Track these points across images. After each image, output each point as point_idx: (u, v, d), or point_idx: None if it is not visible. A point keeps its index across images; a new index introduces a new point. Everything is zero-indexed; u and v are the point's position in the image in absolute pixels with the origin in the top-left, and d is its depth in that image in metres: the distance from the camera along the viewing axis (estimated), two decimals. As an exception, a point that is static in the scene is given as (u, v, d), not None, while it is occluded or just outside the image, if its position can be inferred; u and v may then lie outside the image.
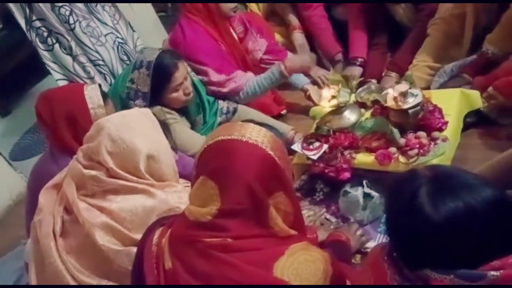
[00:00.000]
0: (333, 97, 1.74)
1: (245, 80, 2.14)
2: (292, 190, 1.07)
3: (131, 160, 1.25)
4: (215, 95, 2.17)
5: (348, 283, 1.04)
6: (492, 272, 0.69)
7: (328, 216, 1.76)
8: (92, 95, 1.55)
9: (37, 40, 2.49)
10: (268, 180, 0.97)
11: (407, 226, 0.77)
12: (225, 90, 2.15)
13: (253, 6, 2.71)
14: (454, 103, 1.68)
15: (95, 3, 2.71)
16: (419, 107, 1.57)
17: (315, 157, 1.72)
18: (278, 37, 2.68)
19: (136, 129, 1.29)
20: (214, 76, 2.12)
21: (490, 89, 1.79)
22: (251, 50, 2.23)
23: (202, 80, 2.12)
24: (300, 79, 2.26)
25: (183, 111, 2.01)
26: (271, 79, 2.11)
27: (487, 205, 0.71)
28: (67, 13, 2.49)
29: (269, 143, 0.99)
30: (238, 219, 0.95)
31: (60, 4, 2.46)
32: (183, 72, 1.88)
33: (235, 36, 2.25)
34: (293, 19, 2.69)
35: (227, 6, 2.11)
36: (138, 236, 1.18)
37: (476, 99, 1.75)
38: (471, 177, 0.77)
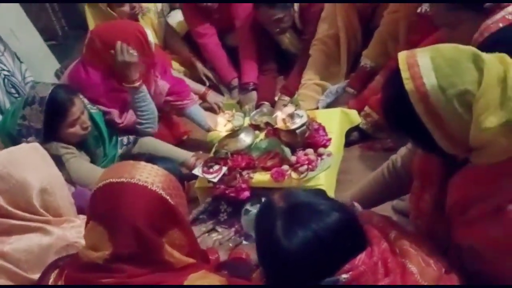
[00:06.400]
0: (228, 121, 1.85)
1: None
2: (187, 224, 1.08)
3: (22, 196, 1.22)
4: (118, 131, 2.15)
5: None
6: (343, 275, 0.82)
7: (232, 236, 1.83)
8: None
9: None
10: (160, 220, 0.97)
11: (269, 256, 0.88)
12: (125, 125, 2.12)
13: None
14: (336, 121, 1.87)
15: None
16: (305, 127, 1.72)
17: (215, 180, 1.79)
18: (175, 65, 2.75)
19: (25, 163, 1.25)
20: (118, 119, 2.09)
21: (366, 108, 2.04)
22: (153, 96, 2.18)
23: (106, 117, 2.08)
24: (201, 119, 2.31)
25: (81, 145, 1.96)
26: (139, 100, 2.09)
27: (331, 229, 0.84)
28: None
29: (161, 182, 0.99)
30: (132, 261, 0.95)
31: None
32: (79, 107, 1.86)
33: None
34: (187, 53, 2.80)
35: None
36: (35, 276, 1.15)
37: (354, 116, 1.97)
38: (319, 203, 0.89)
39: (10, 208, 1.21)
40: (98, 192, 1.00)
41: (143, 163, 1.01)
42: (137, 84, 2.03)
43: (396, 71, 0.94)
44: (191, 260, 1.02)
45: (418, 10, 1.80)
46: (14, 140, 1.77)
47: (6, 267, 1.18)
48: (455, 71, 0.89)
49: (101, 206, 0.98)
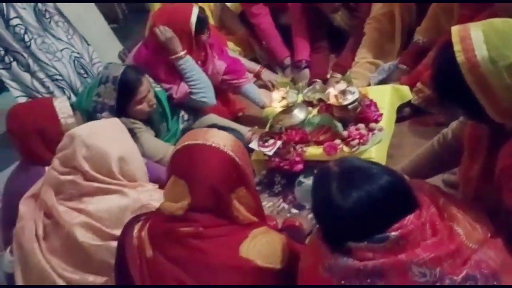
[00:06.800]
0: (283, 98, 1.94)
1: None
2: (252, 185, 1.22)
3: (104, 163, 1.39)
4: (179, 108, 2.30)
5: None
6: (393, 233, 0.89)
7: (285, 206, 1.95)
8: (62, 106, 1.66)
9: (-5, 59, 2.54)
10: (230, 178, 1.12)
11: (326, 214, 0.97)
12: (178, 98, 2.24)
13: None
14: (386, 97, 1.91)
15: (49, 20, 2.78)
16: (357, 103, 1.78)
17: (270, 153, 1.91)
18: (231, 45, 2.86)
19: (107, 135, 1.43)
20: (176, 93, 2.24)
21: (418, 84, 2.05)
22: (211, 74, 2.32)
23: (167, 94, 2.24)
24: (257, 96, 2.41)
25: (147, 120, 2.13)
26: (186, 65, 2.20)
27: (383, 190, 0.91)
28: (22, 31, 2.55)
29: (231, 146, 1.13)
30: (207, 211, 1.10)
31: (15, 23, 2.52)
32: (146, 86, 2.02)
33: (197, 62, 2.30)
34: (243, 33, 2.90)
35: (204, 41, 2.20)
36: (116, 232, 1.33)
37: (405, 92, 2.00)
38: (371, 167, 0.96)
39: (93, 173, 1.39)
40: (178, 153, 1.15)
41: (215, 129, 1.16)
42: (181, 53, 2.15)
43: (448, 44, 0.99)
44: (254, 219, 1.15)
45: (472, -14, 1.78)
46: (89, 115, 1.97)
47: (91, 224, 1.36)
48: (506, 44, 0.94)
49: (182, 163, 1.13)
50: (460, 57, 0.96)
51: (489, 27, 0.97)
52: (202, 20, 2.17)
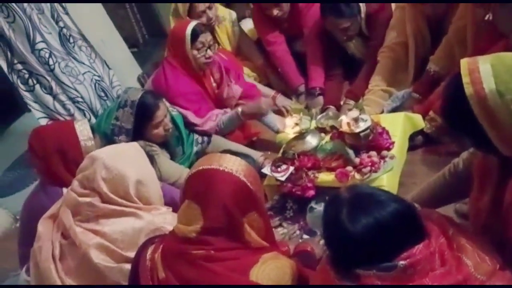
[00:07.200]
0: (296, 124, 1.97)
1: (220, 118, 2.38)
2: (264, 209, 1.25)
3: (122, 185, 1.43)
4: (193, 132, 2.38)
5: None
6: (401, 262, 0.91)
7: (297, 232, 1.96)
8: (82, 128, 1.72)
9: (19, 81, 2.63)
10: (242, 202, 1.15)
11: (335, 238, 0.99)
12: (203, 129, 2.35)
13: (225, 44, 2.94)
14: (399, 125, 1.93)
15: (73, 45, 2.89)
16: (369, 130, 1.81)
17: (283, 178, 1.93)
18: (247, 71, 2.92)
19: (126, 158, 1.48)
20: (193, 119, 2.32)
21: (431, 113, 2.07)
22: (226, 98, 2.42)
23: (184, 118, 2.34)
24: (271, 121, 2.48)
25: (163, 143, 2.19)
26: (232, 120, 2.37)
27: (391, 217, 0.93)
28: (47, 55, 2.66)
29: (243, 171, 1.17)
30: (219, 234, 1.13)
31: (40, 47, 2.63)
32: (163, 111, 2.09)
33: (213, 83, 2.44)
34: (260, 62, 2.97)
35: (200, 61, 2.31)
36: (129, 254, 1.36)
37: (418, 121, 2.02)
38: (381, 194, 0.99)
39: (110, 195, 1.43)
40: (192, 177, 1.19)
41: (228, 155, 1.20)
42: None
43: (458, 75, 1.02)
44: (265, 243, 1.18)
45: (486, 18, 1.81)
46: (108, 138, 2.03)
47: (106, 245, 1.39)
48: None
49: (195, 187, 1.17)
50: (468, 89, 0.99)
51: (497, 61, 1.00)
52: (195, 31, 2.27)
